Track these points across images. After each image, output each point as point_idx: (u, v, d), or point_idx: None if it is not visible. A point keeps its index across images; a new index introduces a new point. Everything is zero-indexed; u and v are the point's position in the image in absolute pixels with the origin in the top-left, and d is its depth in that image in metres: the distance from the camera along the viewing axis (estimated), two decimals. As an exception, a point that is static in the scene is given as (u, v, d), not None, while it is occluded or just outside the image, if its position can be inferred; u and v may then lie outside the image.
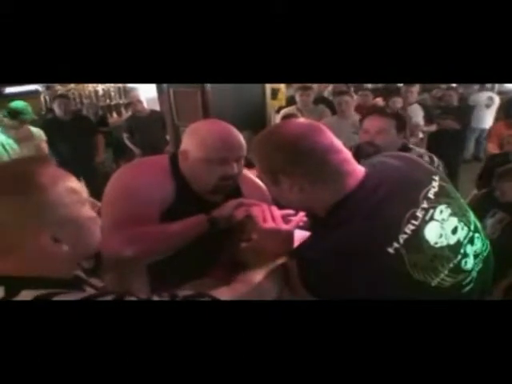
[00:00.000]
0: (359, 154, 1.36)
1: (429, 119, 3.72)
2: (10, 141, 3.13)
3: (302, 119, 0.88)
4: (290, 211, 0.98)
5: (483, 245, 0.86)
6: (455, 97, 3.90)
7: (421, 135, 3.73)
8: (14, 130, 3.14)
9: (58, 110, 3.66)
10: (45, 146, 3.35)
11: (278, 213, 0.96)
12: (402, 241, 0.73)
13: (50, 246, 0.63)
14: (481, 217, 1.89)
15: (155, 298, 0.66)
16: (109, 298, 0.62)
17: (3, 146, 3.11)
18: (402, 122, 1.66)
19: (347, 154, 0.81)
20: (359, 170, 0.82)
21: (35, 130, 3.31)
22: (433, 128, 3.73)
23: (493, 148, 3.37)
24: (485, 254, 0.86)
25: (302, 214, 0.98)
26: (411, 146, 1.74)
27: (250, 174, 1.27)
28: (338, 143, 0.81)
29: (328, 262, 0.74)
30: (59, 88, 5.41)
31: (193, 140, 1.11)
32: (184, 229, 1.06)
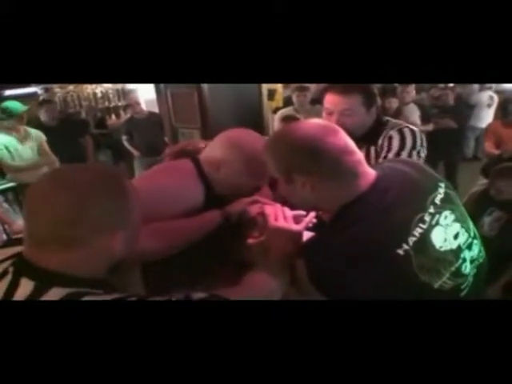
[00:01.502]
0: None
1: (426, 119, 3.73)
2: (14, 142, 3.18)
3: (316, 120, 0.89)
4: (302, 212, 1.00)
5: (479, 251, 0.88)
6: (451, 96, 3.92)
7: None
8: (14, 132, 3.18)
9: (43, 116, 3.66)
10: (46, 146, 3.38)
11: (289, 213, 0.98)
12: (411, 243, 0.75)
13: (116, 247, 0.66)
14: (479, 215, 1.90)
15: (174, 298, 0.67)
16: (133, 299, 0.63)
17: (7, 148, 3.15)
18: (369, 96, 1.38)
19: (360, 156, 0.83)
20: (371, 172, 0.84)
21: (33, 131, 3.34)
22: (429, 127, 3.74)
23: (490, 147, 3.38)
24: (480, 261, 0.88)
25: (312, 214, 0.99)
26: (387, 118, 1.50)
27: None
28: (351, 144, 0.83)
29: (338, 262, 0.76)
30: (58, 90, 5.41)
31: (236, 152, 1.10)
32: (199, 223, 1.09)
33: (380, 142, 1.40)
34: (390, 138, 1.38)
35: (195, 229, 1.09)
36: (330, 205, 0.84)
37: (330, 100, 1.37)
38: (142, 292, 1.05)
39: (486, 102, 5.08)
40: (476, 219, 1.83)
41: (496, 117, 4.39)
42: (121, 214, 0.67)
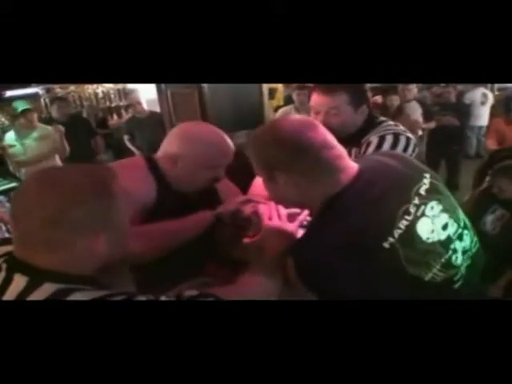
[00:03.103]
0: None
1: (428, 116, 3.72)
2: (28, 140, 3.26)
3: (296, 116, 0.89)
4: (296, 210, 0.99)
5: (472, 241, 0.88)
6: (453, 93, 3.91)
7: (420, 132, 3.74)
8: (30, 129, 3.28)
9: (55, 112, 3.75)
10: (59, 137, 3.41)
11: (283, 211, 0.97)
12: (397, 236, 0.75)
13: (98, 249, 0.66)
14: (481, 213, 1.89)
15: (163, 298, 0.67)
16: (122, 297, 0.63)
17: (22, 145, 3.23)
18: (357, 94, 1.30)
19: (341, 150, 0.83)
20: (352, 166, 0.83)
21: (50, 127, 3.40)
22: (432, 125, 3.74)
23: (492, 144, 3.36)
24: (473, 251, 0.87)
25: (306, 212, 0.99)
26: (381, 118, 1.41)
27: None
28: (331, 139, 0.83)
29: (324, 258, 0.75)
30: (59, 90, 5.42)
31: (190, 146, 1.10)
32: (190, 224, 1.08)
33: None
34: (368, 145, 1.31)
35: (186, 230, 1.08)
36: (313, 201, 0.84)
37: (316, 99, 1.33)
38: (134, 290, 1.05)
39: (480, 99, 5.06)
40: (479, 217, 1.83)
41: (498, 114, 4.37)
42: (104, 216, 0.66)
